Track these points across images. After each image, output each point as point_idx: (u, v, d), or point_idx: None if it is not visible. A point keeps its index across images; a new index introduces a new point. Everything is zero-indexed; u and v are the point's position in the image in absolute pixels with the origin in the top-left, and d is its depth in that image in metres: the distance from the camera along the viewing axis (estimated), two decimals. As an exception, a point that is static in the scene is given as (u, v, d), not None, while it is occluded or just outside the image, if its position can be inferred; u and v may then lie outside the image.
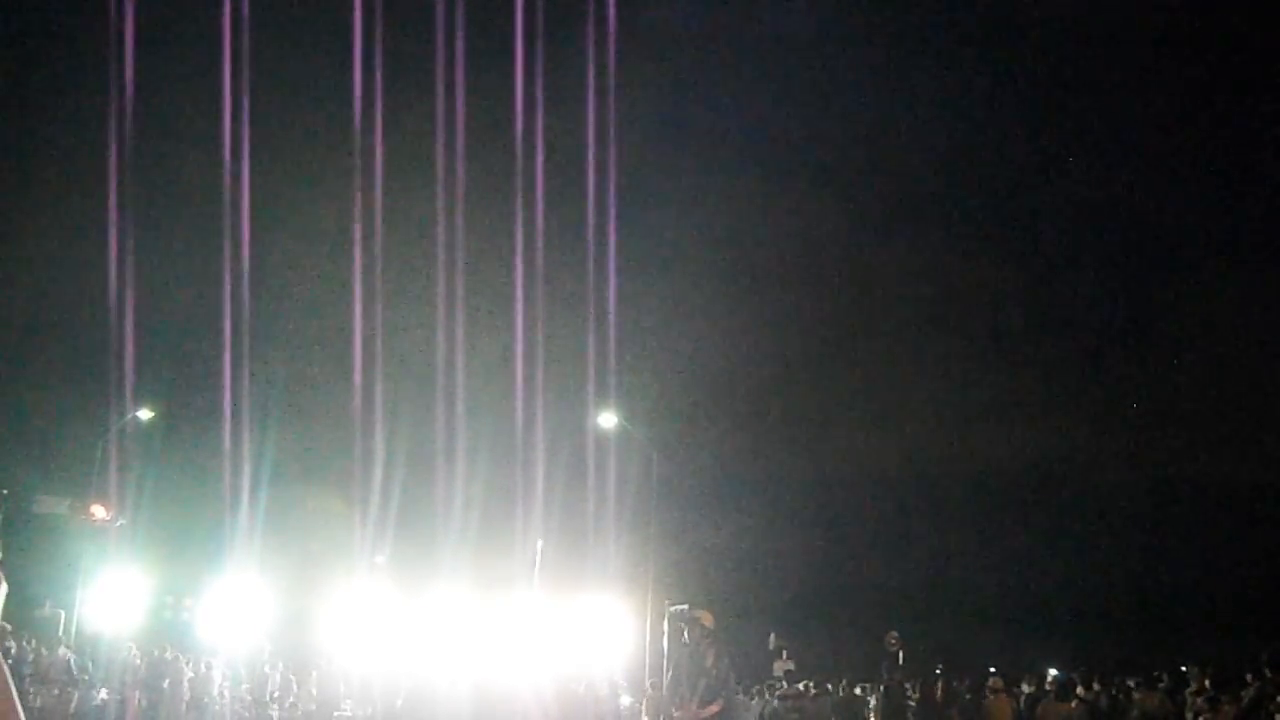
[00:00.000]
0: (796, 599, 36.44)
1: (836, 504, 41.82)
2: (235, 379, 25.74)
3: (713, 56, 47.57)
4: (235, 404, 26.19)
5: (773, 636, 30.82)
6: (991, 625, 35.70)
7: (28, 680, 21.06)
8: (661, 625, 25.84)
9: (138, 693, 21.61)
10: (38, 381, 35.20)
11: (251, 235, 25.55)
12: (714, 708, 10.42)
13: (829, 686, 21.48)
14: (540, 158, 26.35)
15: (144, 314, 26.86)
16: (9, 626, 23.88)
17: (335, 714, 22.48)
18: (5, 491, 26.63)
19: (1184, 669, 17.58)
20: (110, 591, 26.16)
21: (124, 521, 28.09)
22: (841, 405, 48.84)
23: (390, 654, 24.61)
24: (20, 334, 35.19)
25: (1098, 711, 16.31)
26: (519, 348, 27.51)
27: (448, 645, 23.95)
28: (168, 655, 22.61)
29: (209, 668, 22.88)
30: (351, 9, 23.96)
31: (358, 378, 27.67)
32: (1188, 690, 16.04)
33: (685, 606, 20.60)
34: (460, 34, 24.32)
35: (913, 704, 18.77)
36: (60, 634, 25.73)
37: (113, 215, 25.41)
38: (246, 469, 27.07)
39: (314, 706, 22.69)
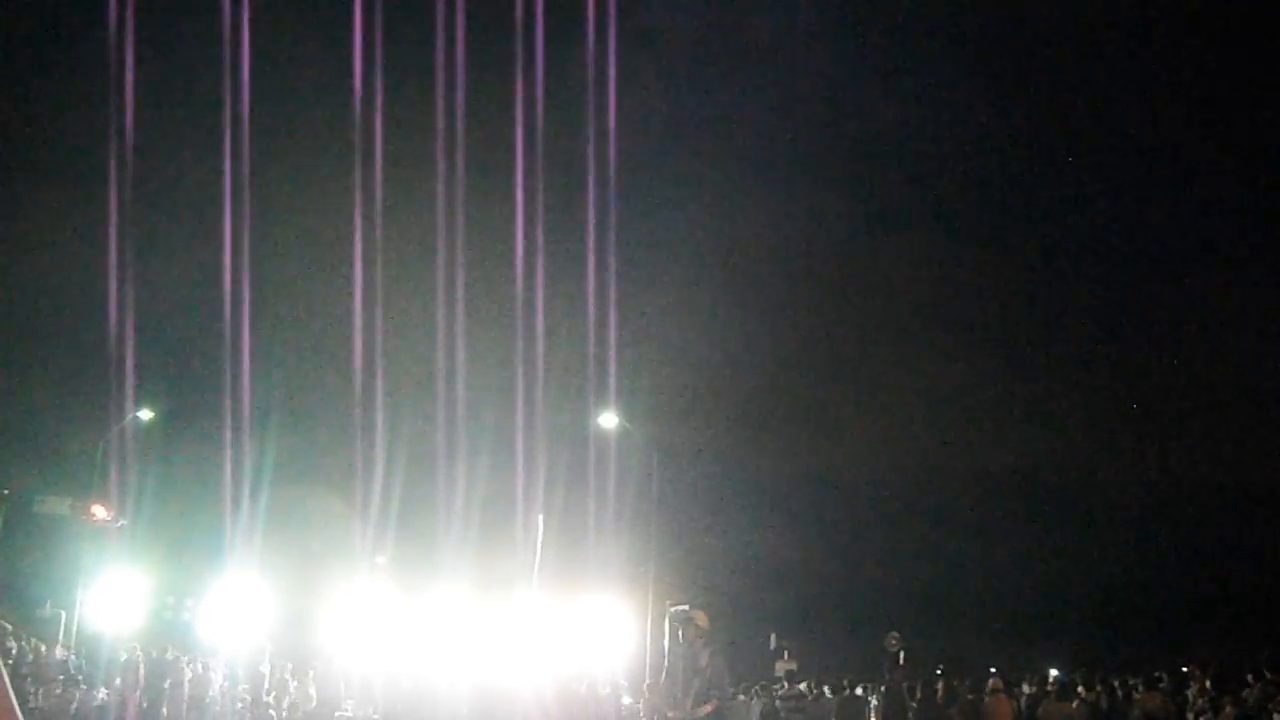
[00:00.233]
0: (797, 599, 36.41)
1: (838, 504, 41.79)
2: (235, 379, 25.71)
3: (713, 56, 47.64)
4: (235, 404, 26.16)
5: (774, 636, 30.85)
6: (992, 626, 35.70)
7: (28, 680, 21.05)
8: (662, 625, 25.83)
9: (138, 693, 21.58)
10: (39, 382, 35.29)
11: (252, 236, 25.59)
12: (707, 708, 10.34)
13: (826, 690, 21.39)
14: (540, 158, 26.37)
15: (145, 315, 26.93)
16: (9, 626, 23.94)
17: (336, 714, 22.46)
18: (6, 492, 26.70)
19: (1185, 669, 17.58)
20: (111, 592, 26.18)
21: (125, 522, 28.11)
22: (842, 405, 48.86)
23: (391, 654, 24.60)
24: (22, 335, 35.26)
25: (1098, 712, 16.27)
26: (519, 348, 27.50)
27: (449, 646, 23.96)
28: (168, 655, 22.60)
29: (207, 668, 22.86)
30: (351, 9, 23.97)
31: (358, 378, 27.69)
32: (1189, 690, 16.04)
33: (686, 607, 20.59)
34: (460, 34, 24.33)
35: (914, 705, 18.72)
36: (60, 634, 25.75)
37: (113, 216, 25.43)
38: (247, 469, 27.09)
39: (313, 706, 22.65)
